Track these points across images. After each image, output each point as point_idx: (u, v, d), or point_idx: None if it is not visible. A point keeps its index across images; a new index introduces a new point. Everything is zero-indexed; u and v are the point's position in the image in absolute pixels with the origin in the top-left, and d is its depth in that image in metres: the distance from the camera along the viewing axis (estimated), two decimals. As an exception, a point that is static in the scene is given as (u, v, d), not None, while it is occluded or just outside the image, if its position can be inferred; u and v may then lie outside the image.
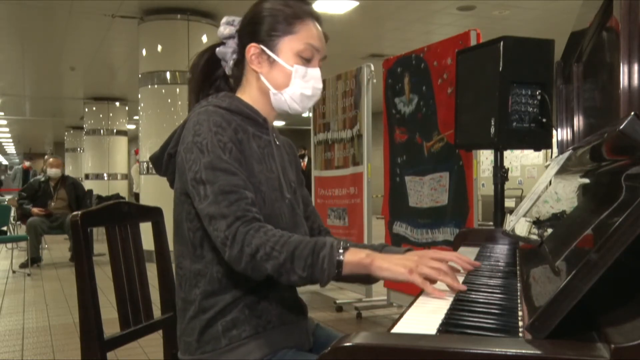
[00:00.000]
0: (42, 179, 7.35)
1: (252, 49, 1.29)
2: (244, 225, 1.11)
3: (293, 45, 1.27)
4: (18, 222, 8.03)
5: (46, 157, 14.00)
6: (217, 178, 1.15)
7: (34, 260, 6.83)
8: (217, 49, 1.35)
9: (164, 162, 1.31)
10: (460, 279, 1.19)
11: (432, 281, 1.06)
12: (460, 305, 0.98)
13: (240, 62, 1.33)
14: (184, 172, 1.21)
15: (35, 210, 6.97)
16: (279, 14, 1.27)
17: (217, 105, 1.25)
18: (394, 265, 1.07)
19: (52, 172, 7.27)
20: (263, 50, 1.28)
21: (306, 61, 1.29)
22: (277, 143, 1.37)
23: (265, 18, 1.28)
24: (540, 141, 2.73)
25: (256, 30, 1.29)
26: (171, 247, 1.64)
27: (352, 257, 1.09)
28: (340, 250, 1.09)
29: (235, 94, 1.34)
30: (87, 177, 14.29)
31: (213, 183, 1.14)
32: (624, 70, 1.02)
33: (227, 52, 1.35)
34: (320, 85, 1.32)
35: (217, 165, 1.16)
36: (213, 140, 1.18)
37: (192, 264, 1.25)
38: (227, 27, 1.34)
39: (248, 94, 1.33)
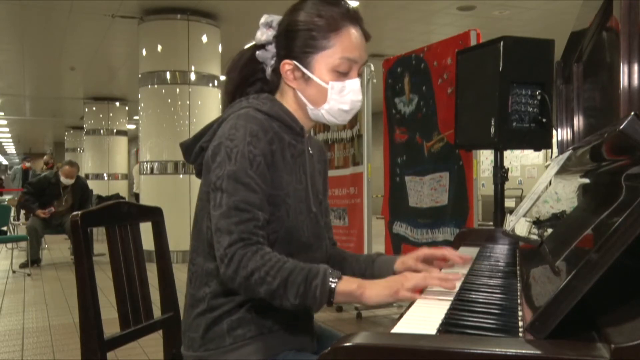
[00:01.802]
0: (53, 179, 7.19)
1: (287, 65, 1.25)
2: (243, 247, 1.11)
3: (328, 61, 1.23)
4: (18, 222, 7.99)
5: (45, 157, 13.96)
6: (237, 191, 1.13)
7: (33, 261, 6.82)
8: (257, 53, 1.31)
9: (195, 152, 1.29)
10: (460, 281, 1.19)
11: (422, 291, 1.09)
12: (460, 305, 0.98)
13: (278, 69, 1.29)
14: (209, 171, 1.20)
15: (40, 212, 6.92)
16: (313, 28, 1.22)
17: (258, 108, 1.23)
18: (381, 289, 1.09)
19: (66, 182, 7.12)
20: (297, 67, 1.25)
21: (343, 75, 1.25)
22: (311, 152, 1.35)
23: (299, 33, 1.23)
24: (540, 141, 2.73)
25: (290, 45, 1.25)
26: (172, 247, 1.64)
27: (344, 287, 1.09)
28: (334, 280, 1.09)
29: (275, 97, 1.31)
30: (87, 177, 14.26)
31: (231, 195, 1.13)
32: (624, 70, 1.02)
33: (267, 57, 1.31)
34: (359, 97, 1.27)
35: (240, 177, 1.14)
36: (244, 150, 1.15)
37: (205, 262, 1.25)
38: (264, 31, 1.29)
39: (286, 102, 1.30)
